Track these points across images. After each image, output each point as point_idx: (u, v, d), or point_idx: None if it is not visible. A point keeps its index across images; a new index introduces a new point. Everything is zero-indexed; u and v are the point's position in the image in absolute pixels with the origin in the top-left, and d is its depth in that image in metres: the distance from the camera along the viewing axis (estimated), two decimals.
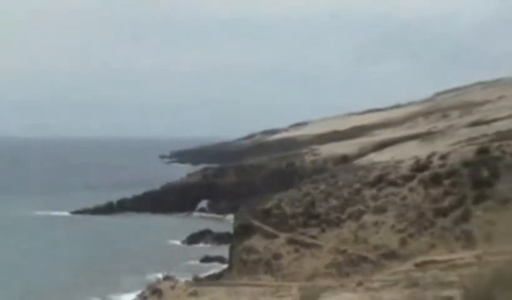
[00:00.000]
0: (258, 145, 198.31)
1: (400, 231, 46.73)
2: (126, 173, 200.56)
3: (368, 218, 49.84)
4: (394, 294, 21.62)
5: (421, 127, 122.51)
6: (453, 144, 62.12)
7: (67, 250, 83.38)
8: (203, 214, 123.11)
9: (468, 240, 41.67)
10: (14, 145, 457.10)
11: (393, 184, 52.83)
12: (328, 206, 53.94)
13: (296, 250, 50.15)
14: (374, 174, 56.49)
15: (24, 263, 74.93)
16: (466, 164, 50.56)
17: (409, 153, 63.27)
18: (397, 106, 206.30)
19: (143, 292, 48.18)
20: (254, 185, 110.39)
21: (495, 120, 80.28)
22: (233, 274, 53.26)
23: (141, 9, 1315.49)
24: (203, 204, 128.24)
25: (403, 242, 45.44)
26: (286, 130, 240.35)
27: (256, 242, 53.42)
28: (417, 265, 37.21)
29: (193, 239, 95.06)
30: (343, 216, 51.58)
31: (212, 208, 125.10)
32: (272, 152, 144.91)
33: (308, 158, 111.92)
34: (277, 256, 50.42)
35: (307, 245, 50.16)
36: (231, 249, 59.66)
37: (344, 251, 47.60)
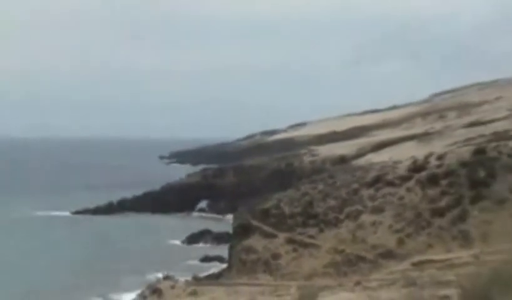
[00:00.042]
0: (258, 146, 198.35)
1: (397, 231, 46.91)
2: (126, 173, 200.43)
3: (366, 218, 50.02)
4: (391, 293, 21.40)
5: (419, 127, 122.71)
6: (450, 145, 62.19)
7: (67, 250, 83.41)
8: (203, 214, 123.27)
9: (465, 239, 41.81)
10: (13, 146, 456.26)
11: (390, 184, 52.97)
12: (326, 206, 54.16)
13: (295, 250, 50.35)
14: (372, 175, 56.65)
15: (24, 263, 74.90)
16: (463, 164, 50.69)
17: (406, 153, 63.35)
18: (395, 107, 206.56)
19: (142, 292, 48.30)
20: (253, 186, 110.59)
21: (492, 121, 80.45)
22: (232, 274, 53.46)
23: (141, 9, 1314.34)
24: (203, 204, 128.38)
25: (400, 241, 45.64)
26: (285, 130, 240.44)
27: (255, 242, 53.66)
28: (414, 264, 37.24)
29: (193, 238, 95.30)
30: (341, 216, 51.79)
31: (211, 208, 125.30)
32: (271, 152, 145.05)
33: (307, 158, 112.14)
34: (276, 256, 50.64)
35: (306, 245, 50.37)
36: (231, 249, 59.89)
37: (342, 251, 47.78)
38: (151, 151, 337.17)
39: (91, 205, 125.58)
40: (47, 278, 68.15)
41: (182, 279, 48.96)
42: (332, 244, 49.07)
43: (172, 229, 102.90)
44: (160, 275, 56.62)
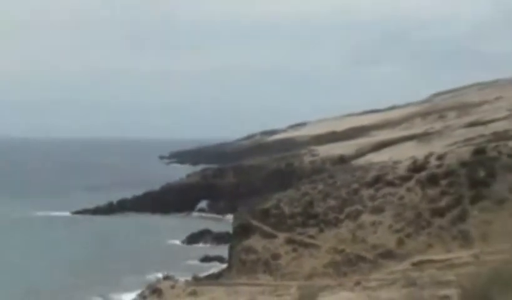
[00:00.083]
0: (257, 146, 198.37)
1: (397, 231, 47.05)
2: (126, 174, 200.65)
3: (366, 218, 50.16)
4: (391, 293, 21.50)
5: (418, 127, 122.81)
6: (450, 145, 62.39)
7: (67, 250, 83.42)
8: (203, 214, 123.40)
9: (465, 239, 41.93)
10: (13, 146, 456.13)
11: (390, 184, 53.12)
12: (326, 206, 54.27)
13: (295, 250, 50.48)
14: (372, 174, 56.80)
15: (24, 263, 75.01)
16: (463, 164, 50.85)
17: (406, 153, 63.55)
18: (394, 107, 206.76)
19: (143, 292, 48.47)
20: (253, 186, 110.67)
21: (492, 121, 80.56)
22: (232, 274, 53.58)
23: (140, 9, 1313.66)
24: (203, 204, 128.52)
25: (400, 241, 45.76)
26: (285, 130, 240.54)
27: (255, 242, 53.76)
28: (414, 264, 37.31)
29: (193, 238, 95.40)
30: (341, 216, 51.91)
31: (211, 208, 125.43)
32: (271, 152, 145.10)
33: (307, 158, 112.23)
34: (276, 256, 50.75)
35: (306, 245, 50.48)
36: (231, 249, 60.04)
37: (342, 251, 47.91)
38: (151, 151, 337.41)
39: (91, 205, 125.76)
40: (47, 278, 68.22)
41: (182, 279, 49.18)
42: (332, 244, 49.18)
43: (172, 229, 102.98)
44: (160, 275, 56.80)
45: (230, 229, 70.82)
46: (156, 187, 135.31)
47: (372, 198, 52.48)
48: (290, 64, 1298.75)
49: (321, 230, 51.63)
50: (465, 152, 53.79)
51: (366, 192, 53.73)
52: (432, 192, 49.37)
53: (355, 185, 55.75)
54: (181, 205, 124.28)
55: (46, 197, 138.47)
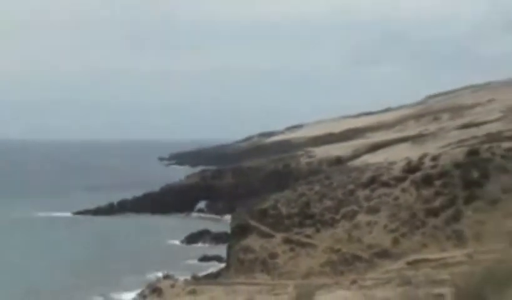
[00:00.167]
0: (256, 148, 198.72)
1: (392, 231, 47.61)
2: (126, 175, 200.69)
3: (361, 218, 50.67)
4: (386, 291, 22.30)
5: (412, 129, 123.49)
6: (444, 146, 62.56)
7: (68, 251, 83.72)
8: (202, 215, 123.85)
9: (459, 239, 42.48)
10: (13, 148, 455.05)
11: (386, 184, 53.62)
12: (322, 207, 54.81)
13: (292, 250, 51.00)
14: (367, 175, 57.25)
15: (25, 263, 75.24)
16: (457, 165, 51.42)
17: (401, 155, 63.70)
18: (389, 109, 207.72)
19: (143, 291, 48.93)
20: (251, 187, 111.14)
21: (485, 122, 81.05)
22: (230, 273, 53.94)
23: (140, 9, 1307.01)
24: (202, 204, 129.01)
25: (395, 241, 46.33)
26: (282, 132, 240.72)
27: (253, 241, 54.20)
28: (409, 263, 37.91)
29: (192, 238, 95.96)
30: (338, 216, 52.45)
31: (210, 209, 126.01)
32: (269, 154, 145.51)
33: (304, 160, 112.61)
34: (273, 255, 51.23)
35: (303, 245, 50.97)
36: (229, 249, 60.46)
37: (338, 250, 48.42)
38: (150, 153, 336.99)
39: (92, 206, 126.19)
40: (48, 278, 68.48)
41: (181, 278, 49.41)
42: (328, 244, 49.67)
43: (171, 229, 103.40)
44: (160, 274, 57.08)
45: (228, 229, 71.24)
46: (156, 188, 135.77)
47: (368, 198, 53.00)
48: (290, 64, 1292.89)
49: (317, 230, 52.13)
50: (459, 153, 54.25)
51: (362, 193, 54.24)
52: (426, 192, 49.91)
53: (351, 186, 56.27)
54: (180, 206, 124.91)
55: (46, 197, 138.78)
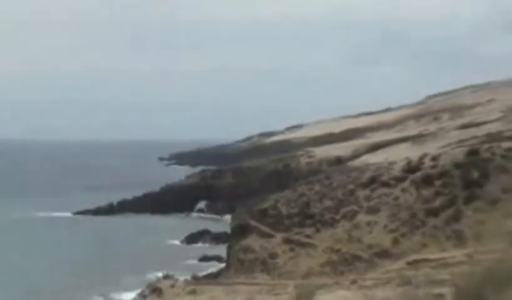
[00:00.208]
0: (256, 148, 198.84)
1: (392, 231, 47.68)
2: (126, 175, 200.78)
3: (361, 218, 50.76)
4: (386, 291, 22.35)
5: (412, 129, 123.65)
6: (444, 146, 62.60)
7: (68, 251, 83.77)
8: (201, 215, 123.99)
9: (459, 239, 42.55)
10: (12, 148, 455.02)
11: (386, 184, 53.70)
12: (322, 207, 54.88)
13: (292, 250, 51.08)
14: (367, 175, 57.33)
15: (25, 263, 75.28)
16: (457, 165, 51.50)
17: (401, 155, 63.76)
18: (389, 109, 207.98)
19: (143, 291, 48.97)
20: (251, 187, 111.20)
21: (485, 122, 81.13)
22: (230, 273, 54.01)
23: (140, 9, 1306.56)
24: (201, 204, 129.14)
25: (395, 241, 46.41)
26: (282, 132, 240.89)
27: (253, 241, 54.27)
28: (409, 263, 37.94)
29: (192, 238, 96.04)
30: (338, 216, 52.52)
31: (210, 209, 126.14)
32: (269, 154, 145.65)
33: (304, 160, 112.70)
34: (273, 255, 51.30)
35: (303, 245, 51.04)
36: (229, 249, 60.53)
37: (338, 250, 48.50)
38: (150, 153, 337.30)
39: (92, 206, 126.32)
40: (48, 278, 68.52)
41: (181, 278, 49.48)
42: (328, 244, 49.74)
43: (171, 229, 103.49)
44: (160, 274, 57.14)
45: (228, 229, 71.30)
46: (156, 188, 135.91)
47: (368, 198, 53.08)
48: (290, 64, 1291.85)
49: (317, 230, 52.20)
50: (459, 153, 54.32)
51: (362, 193, 54.32)
52: (426, 192, 50.00)
53: (351, 186, 56.35)
54: (180, 206, 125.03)
55: (46, 197, 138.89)
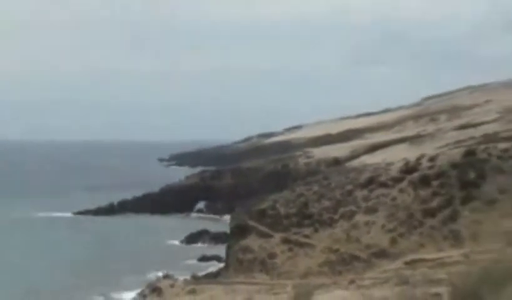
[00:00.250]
0: (255, 149, 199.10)
1: (390, 231, 47.92)
2: (126, 175, 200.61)
3: (359, 218, 51.00)
4: (384, 291, 22.33)
5: (411, 130, 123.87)
6: (441, 147, 62.76)
7: (68, 251, 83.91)
8: (201, 215, 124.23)
9: (456, 239, 42.68)
10: (12, 148, 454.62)
11: (383, 185, 53.98)
12: (321, 207, 55.14)
13: (291, 250, 51.29)
14: (365, 176, 57.64)
15: (25, 263, 75.38)
16: (454, 165, 51.73)
17: (399, 155, 63.83)
18: (388, 110, 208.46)
19: (143, 291, 49.23)
20: (250, 187, 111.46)
21: (482, 123, 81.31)
22: (229, 273, 54.20)
23: (141, 9, 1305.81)
24: (201, 205, 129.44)
25: (393, 241, 46.65)
26: (281, 133, 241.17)
27: (252, 241, 54.49)
28: (406, 263, 38.00)
29: (191, 238, 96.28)
30: (336, 216, 52.78)
31: (209, 209, 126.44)
32: (268, 154, 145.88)
33: (302, 160, 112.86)
34: (272, 255, 51.51)
35: (301, 245, 51.25)
36: (228, 249, 60.71)
37: (337, 250, 48.70)
38: (150, 154, 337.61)
39: (92, 206, 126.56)
40: (48, 278, 68.64)
41: (181, 278, 49.78)
42: (326, 244, 49.97)
43: (171, 229, 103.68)
44: (160, 274, 57.45)
45: (227, 229, 71.36)
46: (156, 188, 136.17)
47: (366, 199, 53.36)
48: (290, 64, 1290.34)
49: (316, 230, 52.44)
50: (456, 154, 54.56)
51: (360, 193, 54.62)
52: (423, 193, 50.25)
53: (349, 187, 56.64)
54: (180, 206, 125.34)
55: (46, 197, 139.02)
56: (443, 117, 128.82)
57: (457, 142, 62.83)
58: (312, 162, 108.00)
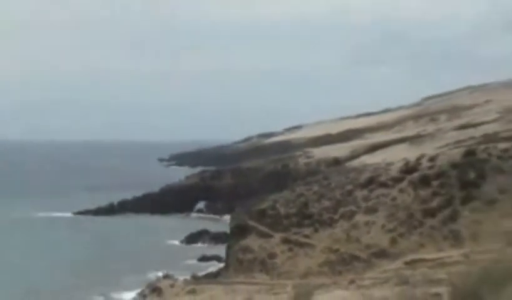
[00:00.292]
0: (255, 149, 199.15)
1: (390, 231, 47.93)
2: (126, 175, 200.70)
3: (359, 218, 51.01)
4: (384, 291, 22.30)
5: (411, 130, 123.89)
6: (441, 147, 62.80)
7: (68, 251, 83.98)
8: (201, 215, 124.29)
9: (456, 239, 42.68)
10: (12, 149, 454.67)
11: (383, 185, 54.00)
12: (321, 207, 55.16)
13: (291, 250, 51.31)
14: (365, 176, 57.66)
15: (25, 263, 75.42)
16: (454, 165, 51.74)
17: (399, 155, 63.87)
18: (388, 110, 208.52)
19: (143, 291, 49.33)
20: (250, 187, 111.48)
21: (482, 123, 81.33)
22: (229, 273, 54.23)
23: (140, 9, 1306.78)
24: (201, 205, 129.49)
25: (393, 241, 46.66)
26: (281, 133, 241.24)
27: (252, 241, 54.53)
28: (406, 263, 38.02)
29: (191, 238, 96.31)
30: (336, 216, 52.81)
31: (209, 209, 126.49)
32: (268, 154, 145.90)
33: (302, 160, 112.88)
34: (272, 255, 51.55)
35: (301, 245, 51.28)
36: (228, 249, 60.75)
37: (337, 250, 48.72)
38: (150, 154, 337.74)
39: (92, 206, 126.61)
40: (48, 278, 68.66)
41: (181, 278, 49.89)
42: (326, 244, 49.99)
43: (171, 229, 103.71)
44: (160, 274, 57.52)
45: (227, 229, 71.38)
46: (156, 188, 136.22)
47: (366, 199, 53.38)
48: (290, 64, 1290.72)
49: (316, 230, 52.46)
50: (456, 154, 54.58)
51: (360, 193, 54.64)
52: (423, 193, 50.26)
53: (349, 187, 56.66)
54: (180, 206, 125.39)
55: (46, 197, 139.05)
56: (443, 117, 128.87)
57: (457, 142, 62.85)
58: (312, 162, 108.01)
